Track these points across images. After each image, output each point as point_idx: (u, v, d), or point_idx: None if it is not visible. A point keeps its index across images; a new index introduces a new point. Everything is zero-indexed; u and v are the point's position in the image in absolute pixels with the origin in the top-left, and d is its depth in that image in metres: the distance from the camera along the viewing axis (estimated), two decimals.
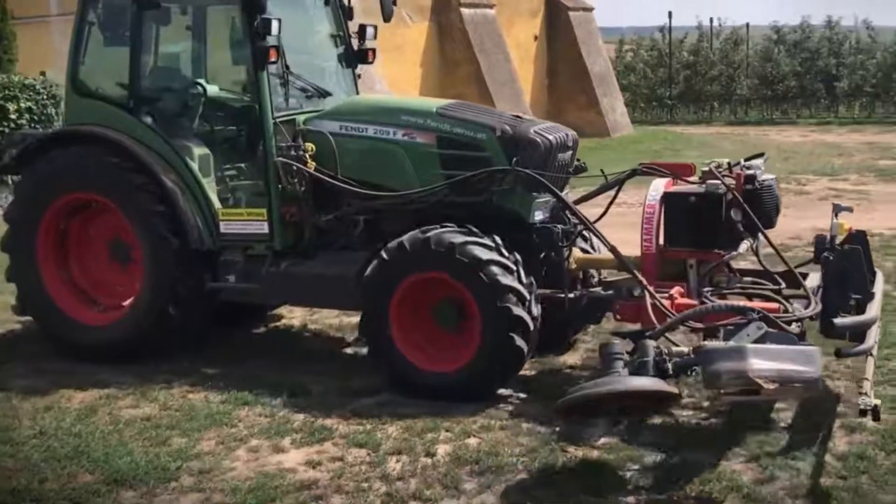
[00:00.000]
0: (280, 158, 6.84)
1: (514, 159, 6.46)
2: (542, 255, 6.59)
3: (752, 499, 4.95)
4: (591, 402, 5.12)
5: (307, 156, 6.80)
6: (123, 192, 7.00)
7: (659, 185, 6.51)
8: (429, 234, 6.23)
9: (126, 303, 7.29)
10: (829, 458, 5.35)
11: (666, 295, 6.07)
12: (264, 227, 6.96)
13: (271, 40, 6.79)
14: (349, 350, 7.65)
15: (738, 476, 5.16)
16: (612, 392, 5.04)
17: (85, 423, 6.10)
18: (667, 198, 6.40)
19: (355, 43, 7.82)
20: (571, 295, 6.52)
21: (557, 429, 5.79)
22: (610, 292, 6.55)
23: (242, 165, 7.42)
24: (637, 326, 6.25)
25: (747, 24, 30.04)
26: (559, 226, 6.62)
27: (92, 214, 7.42)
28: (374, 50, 7.90)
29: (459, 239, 6.16)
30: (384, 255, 6.32)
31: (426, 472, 5.33)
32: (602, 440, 5.65)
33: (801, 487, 5.04)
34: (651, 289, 6.03)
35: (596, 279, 6.95)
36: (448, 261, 6.12)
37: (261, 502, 5.04)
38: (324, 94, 7.58)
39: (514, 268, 6.16)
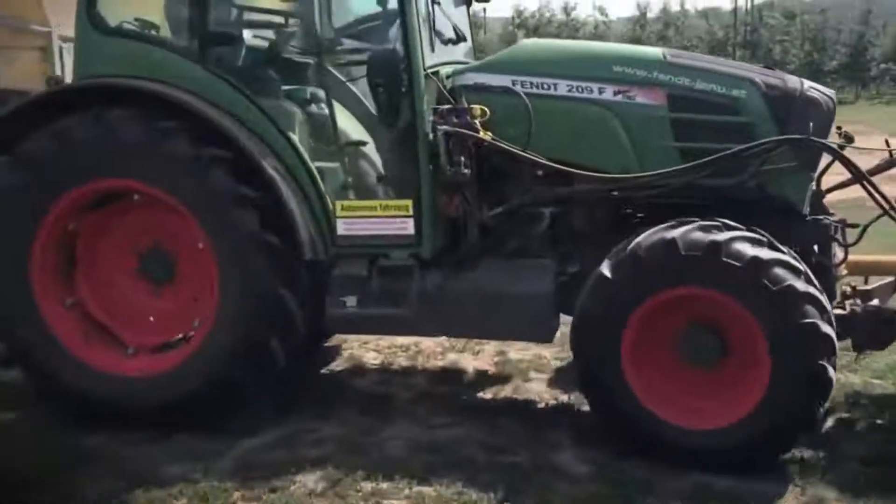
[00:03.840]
0: (443, 126, 4.97)
1: (810, 124, 4.83)
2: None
3: None
4: None
5: (477, 122, 4.99)
6: (190, 177, 4.95)
7: None
8: (672, 235, 4.59)
9: (171, 339, 5.36)
10: None
11: None
12: (408, 227, 5.11)
13: None
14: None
15: None
16: None
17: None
18: None
19: None
20: (847, 311, 5.07)
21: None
22: None
23: (370, 138, 5.49)
24: None
25: None
26: (831, 218, 5.11)
27: (112, 214, 5.37)
28: None
29: (721, 236, 4.56)
30: (606, 272, 4.68)
31: None
32: None
33: None
34: None
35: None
36: (709, 269, 4.51)
37: None
38: (460, 37, 5.73)
39: (803, 269, 4.59)
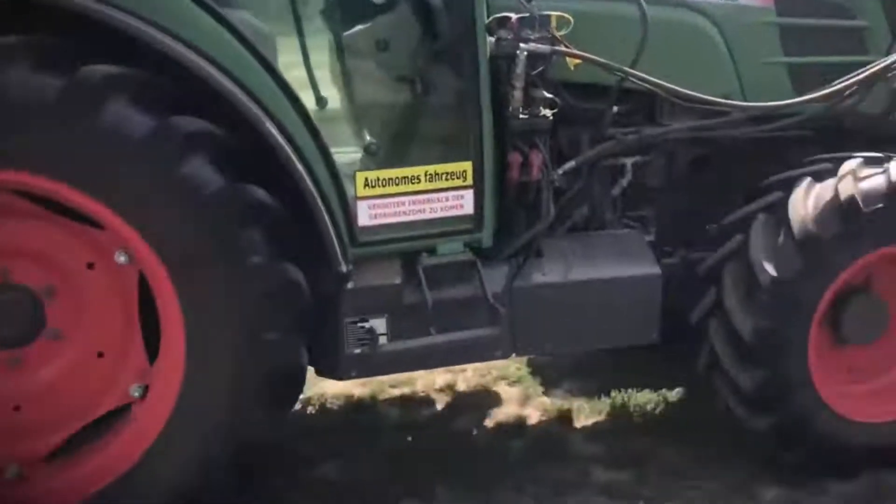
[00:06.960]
0: (526, 45, 3.38)
1: None
2: None
3: None
4: None
5: (557, 34, 3.47)
6: (146, 166, 2.87)
7: None
8: (887, 175, 3.51)
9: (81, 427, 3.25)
10: None
11: None
12: (465, 203, 3.43)
13: None
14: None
15: None
16: None
17: None
18: None
19: None
20: None
21: None
22: None
23: (382, 71, 3.73)
24: None
25: None
26: None
27: None
28: None
29: None
30: (815, 227, 3.48)
31: None
32: None
33: None
34: None
35: None
36: None
37: None
38: None
39: None
